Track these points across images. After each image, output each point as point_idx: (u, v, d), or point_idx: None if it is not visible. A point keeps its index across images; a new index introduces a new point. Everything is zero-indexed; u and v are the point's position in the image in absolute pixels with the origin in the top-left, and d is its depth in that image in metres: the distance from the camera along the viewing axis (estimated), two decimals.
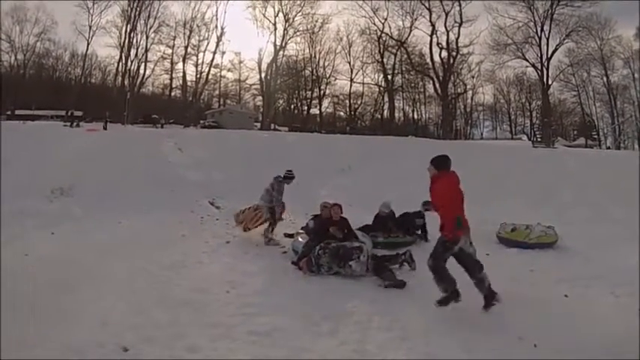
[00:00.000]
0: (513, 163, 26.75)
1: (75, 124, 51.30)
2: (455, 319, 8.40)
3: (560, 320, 8.30)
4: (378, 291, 10.22)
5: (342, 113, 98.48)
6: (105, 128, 44.80)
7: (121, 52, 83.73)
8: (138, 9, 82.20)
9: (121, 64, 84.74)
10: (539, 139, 71.26)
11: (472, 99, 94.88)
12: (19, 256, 11.86)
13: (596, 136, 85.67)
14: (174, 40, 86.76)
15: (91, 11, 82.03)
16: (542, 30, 77.95)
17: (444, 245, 9.32)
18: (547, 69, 78.93)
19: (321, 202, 14.17)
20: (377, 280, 10.74)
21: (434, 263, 9.20)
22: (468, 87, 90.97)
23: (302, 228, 13.93)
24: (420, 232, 15.44)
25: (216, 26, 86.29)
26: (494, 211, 18.26)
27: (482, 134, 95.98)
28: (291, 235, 14.40)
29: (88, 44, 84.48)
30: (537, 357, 7.03)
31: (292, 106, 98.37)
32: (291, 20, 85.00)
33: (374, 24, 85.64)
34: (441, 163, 10.02)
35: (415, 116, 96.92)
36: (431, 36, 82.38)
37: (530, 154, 34.59)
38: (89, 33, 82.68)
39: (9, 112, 74.98)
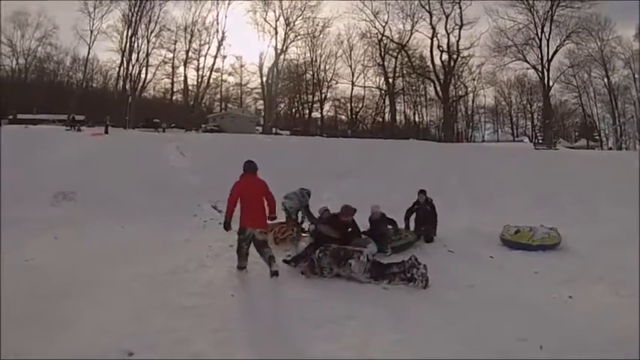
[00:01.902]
0: (515, 165, 26.76)
1: (76, 128, 51.24)
2: (458, 321, 8.37)
3: (565, 321, 8.31)
4: (381, 294, 10.17)
5: (343, 117, 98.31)
6: (106, 132, 44.66)
7: (122, 57, 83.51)
8: (139, 13, 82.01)
9: (122, 68, 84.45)
10: (540, 141, 71.01)
11: (473, 101, 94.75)
12: (21, 262, 11.91)
13: (597, 137, 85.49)
14: (175, 44, 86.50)
15: (92, 16, 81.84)
16: (542, 31, 77.66)
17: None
18: (548, 70, 78.62)
19: (320, 208, 14.23)
20: (380, 282, 10.69)
21: None
22: (469, 89, 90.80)
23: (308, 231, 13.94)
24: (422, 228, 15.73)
25: (217, 30, 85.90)
26: (496, 213, 18.39)
27: (483, 137, 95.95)
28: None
29: (90, 49, 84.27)
30: (542, 358, 7.01)
31: (293, 110, 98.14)
32: (291, 24, 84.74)
33: (374, 27, 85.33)
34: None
35: (416, 119, 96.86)
36: (431, 39, 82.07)
37: (531, 156, 34.54)
38: (90, 37, 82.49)
39: (11, 117, 74.84)
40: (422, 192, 16.54)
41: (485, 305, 9.20)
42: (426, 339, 7.57)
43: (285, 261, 12.37)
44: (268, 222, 12.23)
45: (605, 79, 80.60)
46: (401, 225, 15.59)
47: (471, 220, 18.05)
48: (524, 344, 7.37)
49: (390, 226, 14.83)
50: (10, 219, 16.36)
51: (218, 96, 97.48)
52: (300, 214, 15.76)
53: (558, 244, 14.64)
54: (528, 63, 79.89)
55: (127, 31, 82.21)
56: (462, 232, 16.53)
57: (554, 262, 13.05)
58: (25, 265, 11.83)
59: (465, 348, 7.25)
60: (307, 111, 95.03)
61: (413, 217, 16.30)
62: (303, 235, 15.25)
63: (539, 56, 77.69)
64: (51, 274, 10.86)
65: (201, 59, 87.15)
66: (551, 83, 79.54)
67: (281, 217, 14.67)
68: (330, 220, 13.42)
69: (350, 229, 13.33)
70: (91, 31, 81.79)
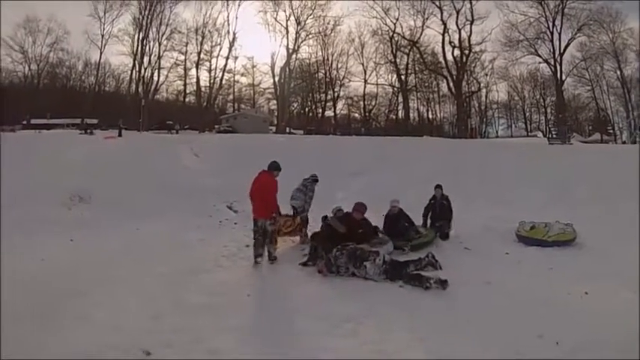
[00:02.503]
0: (530, 161, 26.63)
1: (89, 131, 51.42)
2: (475, 318, 8.37)
3: (580, 318, 8.24)
4: (398, 292, 10.16)
5: (356, 115, 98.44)
6: (120, 135, 44.81)
7: (134, 60, 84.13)
8: (149, 17, 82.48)
9: (134, 71, 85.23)
10: (554, 136, 70.43)
11: (486, 97, 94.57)
12: (37, 262, 12.08)
13: (611, 131, 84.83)
14: (186, 46, 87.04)
15: (103, 20, 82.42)
16: (553, 25, 77.32)
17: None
18: (560, 64, 78.28)
19: (333, 208, 14.25)
20: (396, 282, 10.68)
21: None
22: (482, 85, 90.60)
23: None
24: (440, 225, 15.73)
25: (228, 32, 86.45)
26: (512, 209, 18.27)
27: (497, 132, 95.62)
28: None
29: (101, 53, 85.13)
30: (557, 355, 6.99)
31: (307, 109, 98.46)
32: (302, 23, 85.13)
33: (385, 24, 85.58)
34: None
35: (430, 116, 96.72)
36: (443, 35, 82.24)
37: (546, 151, 34.38)
38: (102, 42, 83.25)
39: (24, 122, 75.46)
40: (438, 187, 16.60)
41: (501, 302, 9.18)
42: (442, 337, 7.58)
43: (302, 264, 12.47)
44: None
45: (618, 72, 79.90)
46: (418, 222, 15.58)
47: (487, 217, 17.96)
48: (541, 341, 7.36)
49: (406, 224, 14.76)
50: (25, 220, 16.52)
51: (231, 97, 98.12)
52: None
53: (574, 240, 14.51)
54: (540, 57, 79.72)
55: (138, 35, 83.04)
56: (478, 229, 16.45)
57: (570, 258, 12.97)
58: (41, 265, 11.95)
59: (482, 346, 7.25)
60: (320, 110, 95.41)
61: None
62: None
63: (551, 50, 77.54)
64: (67, 274, 10.98)
65: (213, 60, 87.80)
66: (563, 77, 79.18)
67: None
68: (342, 220, 13.44)
69: (361, 230, 13.22)
70: (102, 36, 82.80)
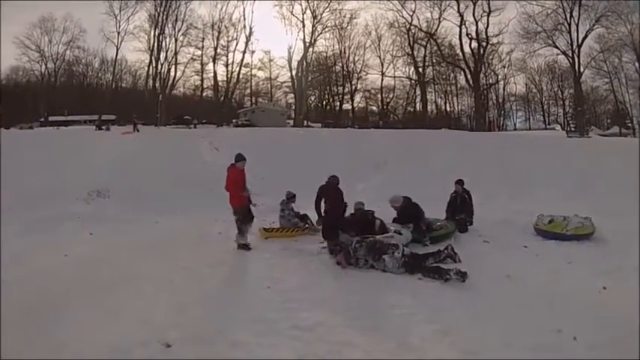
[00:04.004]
0: (549, 154, 26.62)
1: (106, 127, 51.65)
2: (495, 311, 8.38)
3: (599, 313, 8.21)
4: (417, 285, 10.16)
5: (374, 108, 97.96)
6: (135, 130, 44.91)
7: (151, 56, 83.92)
8: (165, 13, 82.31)
9: (151, 67, 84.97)
10: (573, 129, 69.81)
11: (504, 89, 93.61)
12: (60, 257, 12.19)
13: (630, 124, 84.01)
14: (202, 41, 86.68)
15: (118, 17, 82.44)
16: (571, 16, 75.83)
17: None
18: (578, 56, 76.76)
19: (356, 202, 14.34)
20: (415, 274, 10.69)
21: None
22: (500, 77, 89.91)
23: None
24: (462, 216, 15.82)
25: (244, 26, 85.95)
26: (531, 202, 18.33)
27: (515, 125, 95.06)
28: None
29: (117, 50, 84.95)
30: (576, 350, 6.94)
31: (324, 102, 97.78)
32: (318, 17, 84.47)
33: (402, 17, 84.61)
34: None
35: (448, 108, 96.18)
36: (460, 27, 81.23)
37: (565, 144, 34.21)
38: (118, 39, 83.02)
39: (42, 119, 76.27)
40: (459, 182, 16.63)
41: (520, 296, 9.19)
42: (463, 330, 7.58)
43: (325, 248, 12.91)
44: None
45: (637, 64, 78.79)
46: (436, 215, 15.43)
47: (506, 210, 18.01)
48: (559, 336, 7.33)
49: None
50: (46, 216, 16.78)
51: (248, 91, 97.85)
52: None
53: (592, 234, 14.42)
54: (558, 49, 78.33)
55: (154, 31, 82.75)
56: (497, 222, 16.47)
57: (589, 252, 12.91)
58: (64, 261, 12.04)
59: (502, 339, 7.25)
60: (338, 103, 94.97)
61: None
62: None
63: (569, 42, 76.30)
64: (90, 269, 11.15)
65: (230, 55, 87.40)
66: (581, 69, 78.13)
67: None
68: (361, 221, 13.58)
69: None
70: (118, 33, 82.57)
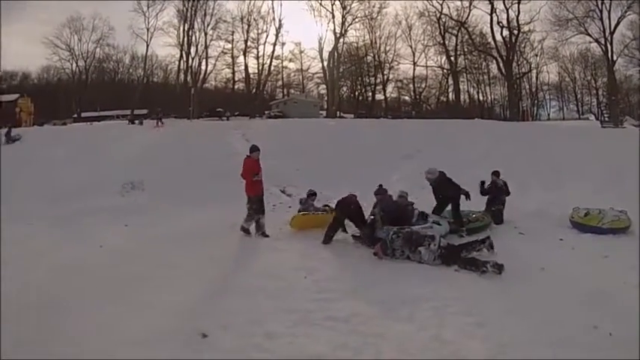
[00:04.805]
0: (583, 145, 26.26)
1: (138, 121, 52.09)
2: (530, 305, 8.34)
3: (635, 308, 7.97)
4: (453, 276, 10.14)
5: (406, 98, 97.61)
6: (160, 123, 45.09)
7: (181, 50, 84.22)
8: (193, 8, 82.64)
9: (181, 61, 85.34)
10: (606, 119, 68.72)
11: (537, 78, 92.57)
12: (95, 248, 12.48)
13: None
14: (232, 35, 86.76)
15: (147, 14, 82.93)
16: (602, 2, 74.78)
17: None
18: (611, 44, 75.31)
19: (399, 192, 14.23)
20: (451, 266, 10.67)
21: None
22: (532, 66, 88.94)
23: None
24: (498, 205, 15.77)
25: (274, 18, 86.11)
26: (565, 194, 18.22)
27: (549, 115, 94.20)
28: None
29: (148, 46, 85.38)
30: (611, 346, 6.83)
31: (356, 93, 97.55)
32: (348, 8, 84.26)
33: (432, 5, 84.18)
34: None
35: (480, 98, 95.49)
36: (490, 14, 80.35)
37: (599, 135, 33.78)
38: (147, 35, 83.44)
39: (75, 115, 77.39)
40: (495, 173, 16.49)
41: (556, 289, 9.10)
42: (499, 322, 7.54)
43: (354, 236, 13.14)
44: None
45: None
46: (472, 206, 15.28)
47: (540, 201, 17.84)
48: (594, 331, 7.23)
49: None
50: (82, 209, 17.14)
51: (280, 83, 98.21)
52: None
53: (628, 228, 14.17)
54: (590, 36, 76.65)
55: (184, 26, 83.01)
56: (531, 214, 16.36)
57: (625, 246, 12.60)
58: (100, 252, 12.31)
59: (538, 334, 7.18)
60: (370, 93, 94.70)
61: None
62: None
63: (601, 29, 75.12)
64: (125, 260, 11.33)
65: (260, 48, 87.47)
66: (614, 57, 76.80)
67: None
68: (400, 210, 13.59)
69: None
70: (147, 29, 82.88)
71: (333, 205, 14.61)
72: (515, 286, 9.31)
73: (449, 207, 14.46)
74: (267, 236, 13.96)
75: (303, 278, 9.94)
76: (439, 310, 8.04)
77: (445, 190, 14.30)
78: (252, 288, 9.30)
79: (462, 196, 14.31)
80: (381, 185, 14.44)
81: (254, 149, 14.65)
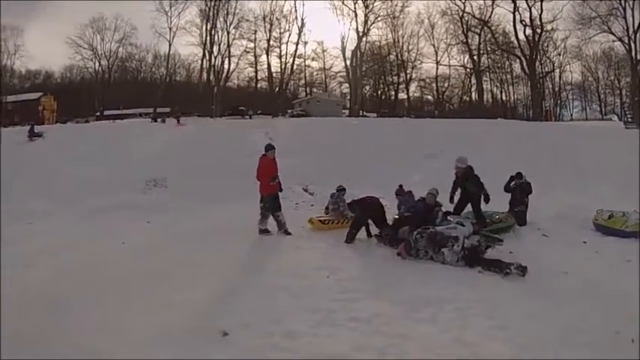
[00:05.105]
0: (607, 146, 26.03)
1: (161, 119, 52.37)
2: (553, 309, 8.23)
3: None
4: (475, 278, 10.09)
5: (429, 97, 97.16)
6: (178, 122, 45.37)
7: (204, 50, 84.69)
8: (215, 7, 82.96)
9: (204, 60, 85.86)
10: (630, 120, 67.93)
11: (560, 78, 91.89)
12: (118, 245, 12.65)
13: None
14: (255, 34, 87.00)
15: (169, 14, 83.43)
16: (626, 0, 74.47)
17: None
18: (635, 42, 74.52)
19: (430, 189, 14.16)
20: (474, 267, 10.63)
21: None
22: (555, 65, 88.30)
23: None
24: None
25: (296, 17, 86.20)
26: (589, 196, 18.07)
27: (571, 115, 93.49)
28: None
29: (170, 45, 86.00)
30: (634, 353, 6.67)
31: (379, 92, 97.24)
32: (370, 6, 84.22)
33: (454, 4, 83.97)
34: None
35: (503, 97, 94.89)
36: (513, 13, 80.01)
37: (623, 136, 33.43)
38: (170, 34, 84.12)
39: (98, 114, 78.71)
40: (519, 175, 16.43)
41: (578, 293, 8.97)
42: (521, 326, 7.47)
43: (377, 236, 13.16)
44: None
45: None
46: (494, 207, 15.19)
47: (563, 203, 17.67)
48: (617, 337, 7.10)
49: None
50: (104, 206, 17.34)
51: (302, 81, 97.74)
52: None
53: None
54: (614, 35, 75.68)
55: (206, 26, 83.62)
56: (554, 215, 16.28)
57: None
58: (123, 248, 12.46)
59: (558, 337, 7.12)
60: (393, 92, 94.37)
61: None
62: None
63: (625, 27, 74.27)
64: (147, 257, 11.44)
65: (283, 47, 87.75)
66: (638, 56, 76.15)
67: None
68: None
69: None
70: (170, 29, 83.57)
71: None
72: (537, 289, 9.25)
73: (469, 207, 14.52)
74: (289, 234, 14.03)
75: (326, 277, 9.94)
76: (461, 312, 8.00)
77: (468, 183, 14.34)
78: (274, 286, 9.30)
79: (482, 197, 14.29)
80: (401, 186, 14.50)
81: (269, 147, 14.78)
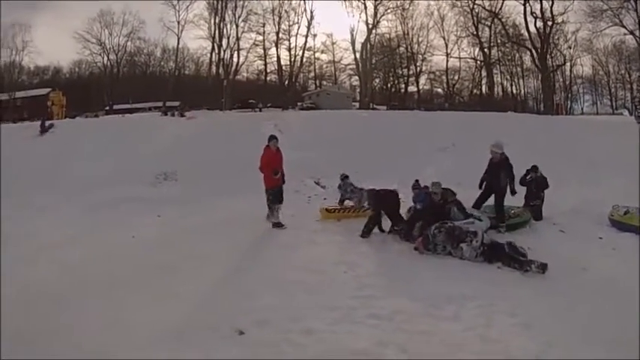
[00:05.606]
0: (619, 141, 25.80)
1: (171, 113, 52.49)
2: (573, 306, 8.16)
3: None
4: (495, 274, 10.02)
5: (439, 90, 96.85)
6: (182, 116, 45.81)
7: (213, 43, 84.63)
8: (224, 1, 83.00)
9: (213, 53, 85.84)
10: (639, 114, 67.51)
11: (571, 71, 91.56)
12: (128, 238, 12.75)
13: None
14: (263, 27, 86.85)
15: (177, 8, 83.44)
16: None
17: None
18: None
19: (432, 185, 14.03)
20: (494, 263, 10.54)
21: None
22: (566, 58, 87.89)
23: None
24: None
25: (305, 10, 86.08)
26: (602, 191, 17.94)
27: (582, 109, 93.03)
28: None
29: (179, 38, 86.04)
30: None
31: (389, 85, 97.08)
32: None
33: None
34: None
35: (514, 91, 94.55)
36: (524, 5, 79.75)
37: (635, 130, 33.21)
38: (178, 28, 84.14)
39: (107, 108, 79.43)
40: (534, 169, 16.24)
41: (598, 291, 8.91)
42: (544, 324, 7.42)
43: (392, 230, 13.02)
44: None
45: None
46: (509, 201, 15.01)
47: (578, 198, 17.49)
48: (637, 334, 6.97)
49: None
50: (115, 199, 17.39)
51: (312, 74, 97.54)
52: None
53: None
54: (625, 28, 75.36)
55: (215, 19, 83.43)
56: (570, 210, 16.09)
57: None
58: (131, 242, 12.52)
59: (580, 334, 7.06)
60: (403, 85, 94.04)
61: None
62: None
63: (637, 20, 73.85)
64: (156, 250, 11.56)
65: (292, 39, 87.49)
66: None
67: None
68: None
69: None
70: (178, 22, 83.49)
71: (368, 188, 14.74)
72: (557, 285, 9.20)
73: (487, 202, 14.33)
74: (279, 227, 14.10)
75: (343, 273, 9.88)
76: (483, 309, 7.93)
77: (499, 173, 14.05)
78: (289, 282, 9.24)
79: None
80: (417, 180, 14.31)
81: (271, 138, 14.88)
